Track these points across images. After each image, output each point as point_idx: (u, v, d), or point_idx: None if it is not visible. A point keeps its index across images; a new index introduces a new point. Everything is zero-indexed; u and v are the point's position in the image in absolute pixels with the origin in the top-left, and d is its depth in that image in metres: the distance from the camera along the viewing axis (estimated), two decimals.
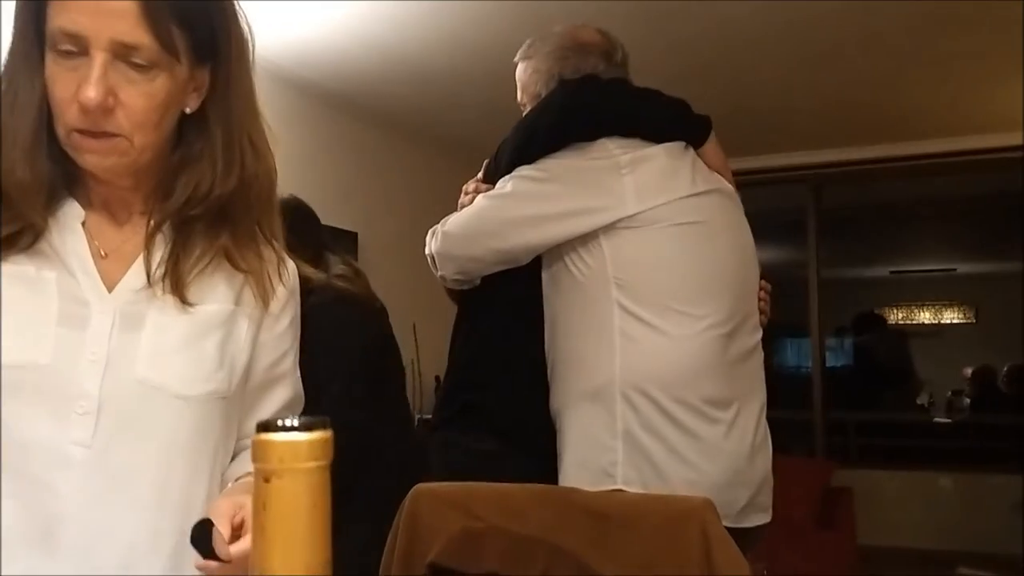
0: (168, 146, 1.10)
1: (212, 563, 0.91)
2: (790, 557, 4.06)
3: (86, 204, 1.10)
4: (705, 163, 1.86)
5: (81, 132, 1.01)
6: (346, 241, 4.69)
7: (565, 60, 1.90)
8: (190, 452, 1.08)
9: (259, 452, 0.54)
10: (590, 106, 1.81)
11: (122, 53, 0.98)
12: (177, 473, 1.07)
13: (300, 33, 3.66)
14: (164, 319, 1.07)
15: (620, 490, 1.64)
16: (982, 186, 6.76)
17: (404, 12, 3.45)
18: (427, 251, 1.94)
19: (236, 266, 1.14)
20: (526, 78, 1.97)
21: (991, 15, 3.53)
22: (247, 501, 0.96)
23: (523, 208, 1.80)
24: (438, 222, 1.98)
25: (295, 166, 4.34)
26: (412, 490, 1.47)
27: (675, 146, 1.80)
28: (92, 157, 1.03)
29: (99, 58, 0.97)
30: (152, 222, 1.10)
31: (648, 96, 1.86)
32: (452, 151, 5.08)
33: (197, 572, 1.05)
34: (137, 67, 1.00)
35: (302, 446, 0.53)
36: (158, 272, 1.08)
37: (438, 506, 1.43)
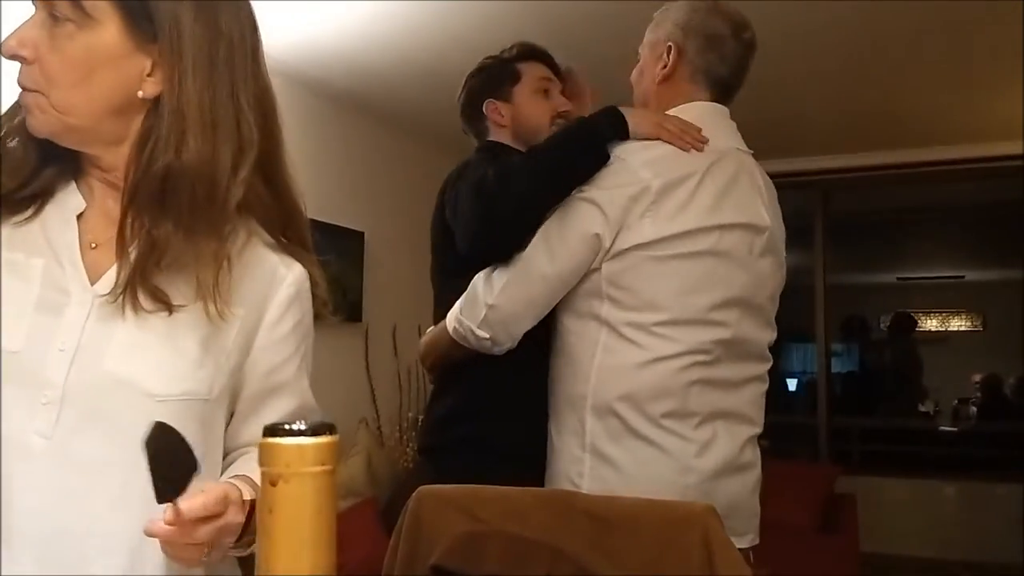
0: (130, 132, 1.08)
1: (157, 524, 0.89)
2: (792, 562, 4.04)
3: (87, 194, 1.11)
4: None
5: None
6: (352, 240, 4.69)
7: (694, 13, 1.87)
8: None
9: (266, 456, 0.54)
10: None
11: (48, 7, 1.01)
12: (141, 473, 1.00)
13: (309, 32, 3.66)
14: (145, 314, 1.05)
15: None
16: (991, 194, 6.73)
17: (414, 12, 3.45)
18: (467, 333, 1.81)
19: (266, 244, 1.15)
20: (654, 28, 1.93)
21: (1002, 22, 3.52)
22: (208, 483, 0.95)
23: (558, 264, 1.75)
24: None
25: (302, 164, 4.34)
26: (416, 492, 1.47)
27: (706, 169, 1.75)
28: (27, 115, 1.05)
29: (36, 11, 1.01)
30: (125, 213, 1.07)
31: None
32: (460, 152, 5.06)
33: (156, 572, 1.03)
34: (56, 20, 1.02)
35: (309, 450, 0.53)
36: (124, 273, 1.05)
37: (442, 508, 1.44)
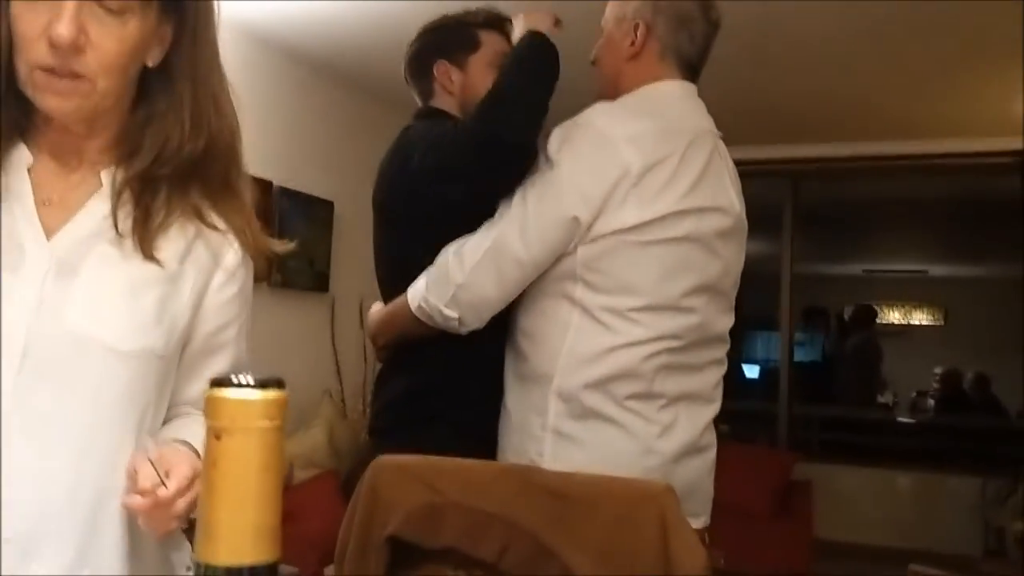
0: (127, 99, 1.09)
1: (137, 499, 0.95)
2: (748, 546, 4.09)
3: (35, 150, 1.09)
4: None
5: (46, 71, 0.99)
6: (321, 209, 4.65)
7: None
8: (118, 408, 1.06)
9: (211, 408, 0.53)
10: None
11: None
12: (102, 429, 1.05)
13: None
14: (102, 270, 1.06)
15: None
16: (958, 189, 6.81)
17: None
18: (433, 312, 1.76)
19: (208, 224, 1.13)
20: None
21: (979, 18, 3.55)
22: (168, 453, 1.00)
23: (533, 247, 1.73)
24: None
25: (273, 131, 4.30)
26: (374, 462, 1.46)
27: (684, 150, 1.73)
28: (55, 98, 1.02)
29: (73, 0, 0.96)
30: (119, 177, 1.09)
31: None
32: None
33: (114, 534, 1.05)
34: (109, 10, 0.99)
35: (256, 404, 0.52)
36: (125, 225, 1.07)
37: (400, 479, 1.43)
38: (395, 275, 1.93)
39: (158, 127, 1.09)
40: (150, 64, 1.08)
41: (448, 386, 1.88)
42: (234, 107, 1.15)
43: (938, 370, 8.91)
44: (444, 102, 2.06)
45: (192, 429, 1.12)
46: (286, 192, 4.36)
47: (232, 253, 1.17)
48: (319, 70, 4.54)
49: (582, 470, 1.62)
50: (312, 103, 4.59)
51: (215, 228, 1.14)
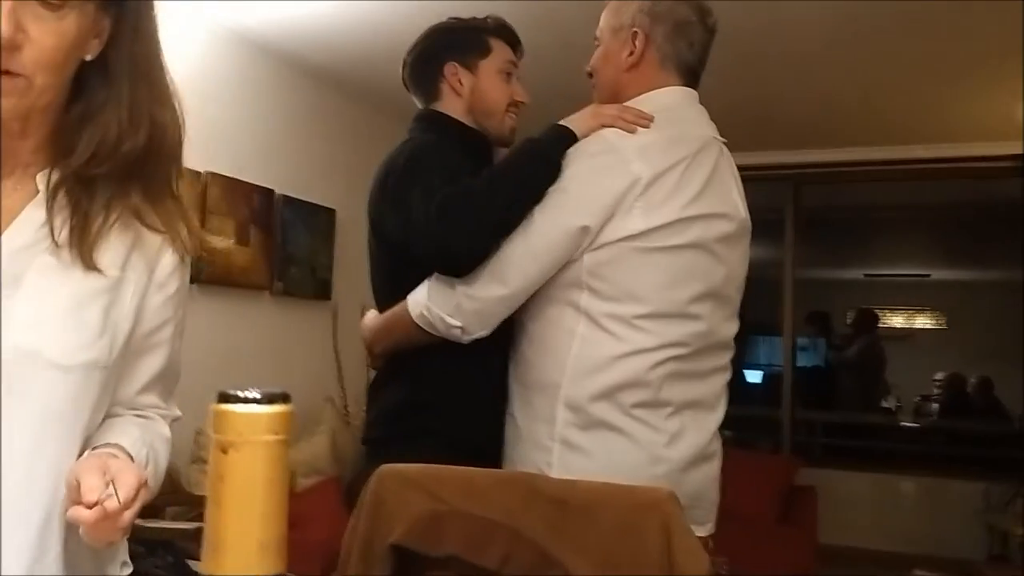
0: (63, 95, 1.05)
1: (84, 512, 0.91)
2: (751, 552, 4.08)
3: None
4: None
5: None
6: (323, 217, 4.66)
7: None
8: (64, 421, 1.04)
9: (218, 423, 0.53)
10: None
11: None
12: (48, 442, 1.03)
13: (286, 6, 3.62)
14: (44, 282, 1.03)
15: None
16: (959, 193, 6.81)
17: None
18: (436, 321, 1.75)
19: (149, 227, 1.11)
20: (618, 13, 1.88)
21: (980, 23, 3.55)
22: (112, 463, 0.96)
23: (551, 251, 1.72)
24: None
25: (274, 139, 4.31)
26: (377, 470, 1.46)
27: (692, 157, 1.73)
28: None
29: None
30: (54, 179, 1.06)
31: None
32: None
33: (58, 547, 1.03)
34: (47, 5, 0.96)
35: (262, 419, 0.52)
36: (63, 234, 1.04)
37: (403, 487, 1.43)
38: (387, 284, 1.92)
39: (95, 123, 1.05)
40: (88, 58, 1.04)
41: (444, 398, 1.86)
42: (178, 103, 1.12)
43: (941, 375, 8.91)
44: (450, 105, 2.04)
45: (125, 430, 1.11)
46: (288, 200, 4.36)
47: (170, 254, 1.15)
48: (320, 79, 4.54)
49: (589, 479, 1.62)
50: (314, 112, 4.60)
51: (155, 230, 1.11)
